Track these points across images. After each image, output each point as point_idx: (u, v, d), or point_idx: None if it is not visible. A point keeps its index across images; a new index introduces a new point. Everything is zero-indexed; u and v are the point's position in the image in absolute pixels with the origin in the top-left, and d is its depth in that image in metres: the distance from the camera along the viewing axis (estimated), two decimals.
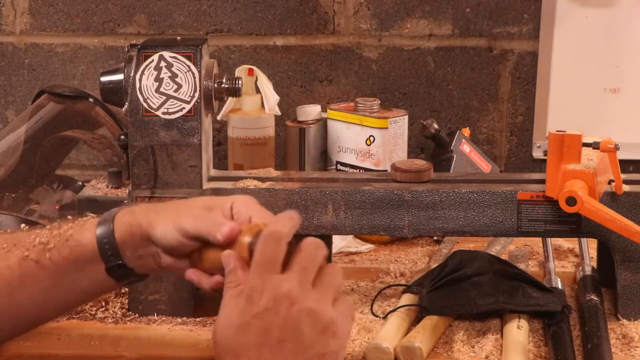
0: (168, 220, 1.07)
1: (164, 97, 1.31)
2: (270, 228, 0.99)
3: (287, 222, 1.00)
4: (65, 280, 1.09)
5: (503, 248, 1.57)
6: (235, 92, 1.36)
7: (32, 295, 1.09)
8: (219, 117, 1.72)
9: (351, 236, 1.59)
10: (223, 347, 0.95)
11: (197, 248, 1.07)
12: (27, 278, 1.09)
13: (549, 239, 1.49)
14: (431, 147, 1.76)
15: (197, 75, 1.31)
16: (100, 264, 1.09)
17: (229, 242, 1.03)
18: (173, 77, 1.31)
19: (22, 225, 1.19)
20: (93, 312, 1.33)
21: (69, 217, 1.14)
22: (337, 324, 0.95)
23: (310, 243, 0.99)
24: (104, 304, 1.35)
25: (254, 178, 1.36)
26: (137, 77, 1.31)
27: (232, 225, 1.03)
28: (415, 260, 1.53)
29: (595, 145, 1.26)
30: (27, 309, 1.10)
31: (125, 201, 1.33)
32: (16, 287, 1.09)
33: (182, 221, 1.06)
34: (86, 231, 1.10)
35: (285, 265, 0.97)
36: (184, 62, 1.31)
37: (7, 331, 1.13)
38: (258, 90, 1.72)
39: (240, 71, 1.71)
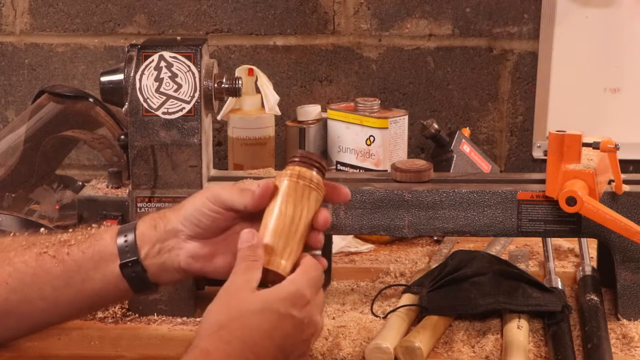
0: (200, 195, 1.09)
1: (164, 97, 1.31)
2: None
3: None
4: (79, 278, 1.10)
5: (503, 248, 1.57)
6: (235, 92, 1.36)
7: (43, 293, 1.09)
8: (219, 117, 1.72)
9: (351, 236, 1.59)
10: (235, 305, 0.98)
11: None
12: (41, 273, 1.09)
13: (549, 239, 1.49)
14: (431, 147, 1.76)
15: (197, 75, 1.31)
16: (115, 262, 1.09)
17: (262, 201, 1.06)
18: (173, 77, 1.31)
19: (42, 229, 1.20)
20: (93, 312, 1.33)
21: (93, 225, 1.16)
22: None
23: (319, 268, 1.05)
24: None
25: (254, 178, 1.36)
26: (137, 77, 1.31)
27: (263, 184, 1.06)
28: (415, 260, 1.53)
29: (595, 145, 1.26)
30: (37, 308, 1.10)
31: (126, 202, 1.33)
32: (28, 282, 1.09)
33: (213, 191, 1.08)
34: (110, 230, 1.12)
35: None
36: (184, 62, 1.31)
37: (15, 330, 1.14)
38: (258, 90, 1.73)
39: (240, 71, 1.71)
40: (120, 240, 1.10)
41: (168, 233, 1.09)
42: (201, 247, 1.09)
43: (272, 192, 1.06)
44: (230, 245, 1.10)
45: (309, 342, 1.02)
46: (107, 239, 1.10)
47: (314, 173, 1.07)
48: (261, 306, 0.98)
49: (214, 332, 0.97)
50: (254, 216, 1.08)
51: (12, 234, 1.16)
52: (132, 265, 1.09)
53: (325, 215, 1.07)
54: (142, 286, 1.11)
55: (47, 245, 1.11)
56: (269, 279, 1.04)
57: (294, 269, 1.04)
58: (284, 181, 1.07)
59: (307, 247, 1.07)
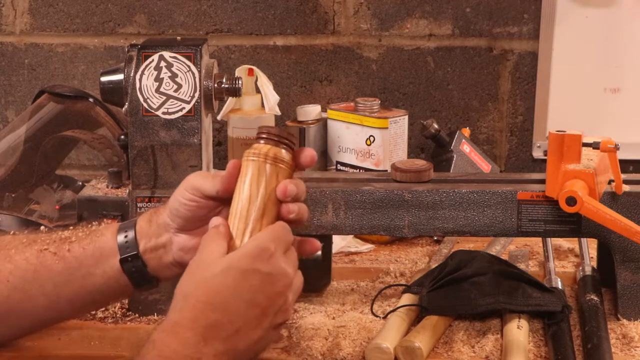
0: (179, 187, 1.09)
1: (164, 97, 1.31)
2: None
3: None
4: (80, 274, 1.10)
5: (503, 248, 1.57)
6: (235, 92, 1.36)
7: (45, 290, 1.10)
8: (219, 117, 1.72)
9: (351, 236, 1.59)
10: (199, 275, 0.99)
11: None
12: (42, 270, 1.10)
13: (549, 239, 1.49)
14: (431, 147, 1.76)
15: (197, 75, 1.31)
16: (116, 257, 1.10)
17: (231, 183, 1.06)
18: (173, 77, 1.31)
19: (42, 227, 1.21)
20: (93, 312, 1.33)
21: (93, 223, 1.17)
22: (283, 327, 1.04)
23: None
24: None
25: None
26: (137, 77, 1.31)
27: (227, 170, 1.06)
28: (415, 260, 1.53)
29: (595, 145, 1.26)
30: (38, 305, 1.10)
31: (126, 202, 1.33)
32: (30, 279, 1.09)
33: (189, 180, 1.08)
34: (111, 227, 1.13)
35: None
36: (184, 62, 1.31)
37: (16, 328, 1.14)
38: (258, 90, 1.73)
39: (240, 71, 1.71)
40: (121, 236, 1.11)
41: (160, 227, 1.11)
42: (189, 239, 1.10)
43: (238, 173, 1.06)
44: None
45: (284, 295, 1.01)
46: (107, 235, 1.11)
47: (275, 150, 1.07)
48: (223, 267, 0.98)
49: (180, 302, 0.98)
50: (224, 198, 1.09)
51: (12, 233, 1.17)
52: (132, 260, 1.10)
53: (283, 185, 1.06)
54: (142, 281, 1.12)
55: (48, 242, 1.11)
56: None
57: None
58: (247, 162, 1.07)
59: (281, 219, 1.07)
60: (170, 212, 1.10)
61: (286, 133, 1.08)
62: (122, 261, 1.10)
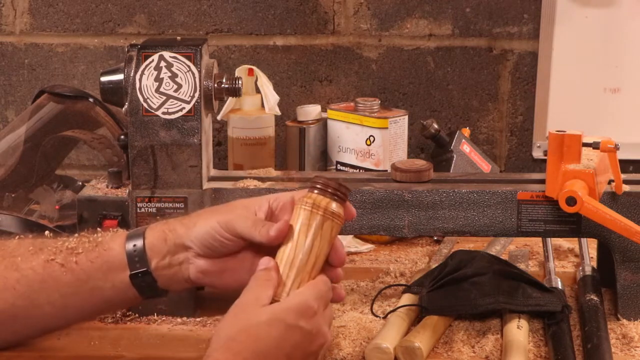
0: (211, 217, 1.09)
1: (164, 97, 1.31)
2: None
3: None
4: (88, 287, 1.10)
5: (503, 248, 1.57)
6: (235, 92, 1.36)
7: (51, 299, 1.10)
8: (219, 117, 1.72)
9: (351, 236, 1.59)
10: (245, 317, 0.99)
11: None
12: (50, 280, 1.09)
13: (549, 239, 1.49)
14: (431, 147, 1.76)
15: (197, 75, 1.31)
16: (125, 271, 1.09)
17: (276, 241, 1.06)
18: (173, 77, 1.31)
19: (47, 232, 1.20)
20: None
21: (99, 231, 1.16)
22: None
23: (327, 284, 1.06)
24: None
25: (254, 178, 1.36)
26: (137, 77, 1.31)
27: (279, 226, 1.06)
28: (415, 260, 1.53)
29: (595, 145, 1.26)
30: (45, 313, 1.10)
31: (126, 202, 1.33)
32: (37, 289, 1.09)
33: (226, 217, 1.08)
34: (117, 238, 1.12)
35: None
36: (184, 62, 1.31)
37: (22, 335, 1.14)
38: (258, 90, 1.72)
39: (240, 71, 1.71)
40: (129, 247, 1.10)
41: (178, 247, 1.10)
42: (211, 264, 1.10)
43: (287, 233, 1.07)
44: (241, 262, 1.10)
45: (317, 354, 1.03)
46: (115, 248, 1.10)
47: (333, 203, 1.07)
48: (269, 317, 0.99)
49: (223, 344, 0.98)
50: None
51: (17, 237, 1.16)
52: (142, 276, 1.10)
53: (340, 253, 1.08)
54: (151, 294, 1.12)
55: (55, 252, 1.10)
56: None
57: None
58: (300, 210, 1.07)
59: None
60: (196, 238, 1.09)
61: (345, 188, 1.08)
62: (132, 276, 1.09)
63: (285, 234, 1.06)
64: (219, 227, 1.08)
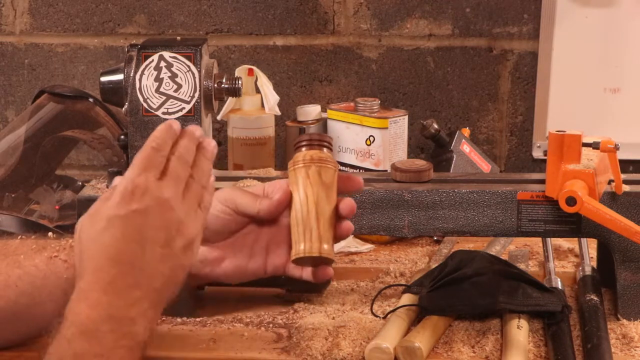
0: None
1: (164, 97, 1.31)
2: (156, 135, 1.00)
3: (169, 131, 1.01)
4: None
5: (503, 248, 1.57)
6: (235, 92, 1.36)
7: (54, 296, 1.09)
8: (219, 117, 1.72)
9: (351, 236, 1.59)
10: (89, 236, 0.95)
11: None
12: (52, 277, 1.09)
13: (549, 239, 1.49)
14: (431, 147, 1.76)
15: (197, 75, 1.31)
16: None
17: (279, 209, 1.08)
18: (173, 77, 1.31)
19: (50, 233, 1.20)
20: None
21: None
22: (197, 241, 0.99)
23: (185, 145, 1.00)
24: None
25: (254, 178, 1.36)
26: (137, 77, 1.31)
27: (281, 190, 1.07)
28: (415, 260, 1.53)
29: (595, 145, 1.26)
30: (47, 310, 1.10)
31: None
32: (39, 285, 1.09)
33: (225, 194, 1.08)
34: None
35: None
36: (184, 62, 1.31)
37: (24, 334, 1.14)
38: (258, 90, 1.73)
39: (240, 71, 1.71)
40: None
41: None
42: (210, 251, 1.10)
43: (289, 199, 1.07)
44: (238, 248, 1.10)
45: (172, 220, 0.97)
46: None
47: (311, 151, 1.09)
48: (104, 221, 0.95)
49: (79, 267, 0.96)
50: (262, 219, 1.09)
51: (19, 237, 1.16)
52: None
53: (349, 202, 1.08)
54: None
55: (58, 249, 1.10)
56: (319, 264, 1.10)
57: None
58: (289, 175, 1.09)
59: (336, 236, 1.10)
60: None
61: (318, 134, 1.11)
62: None
63: (285, 201, 1.07)
64: (218, 204, 1.08)
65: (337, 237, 1.10)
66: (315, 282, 1.13)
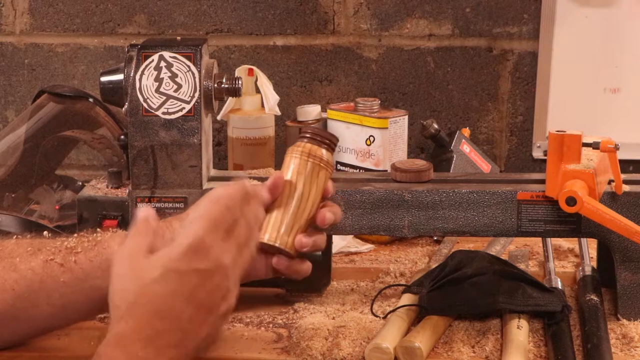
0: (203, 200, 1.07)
1: (164, 97, 1.31)
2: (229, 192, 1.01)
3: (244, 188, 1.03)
4: (87, 286, 1.09)
5: (503, 248, 1.57)
6: (235, 92, 1.36)
7: (51, 299, 1.09)
8: (219, 117, 1.72)
9: (351, 236, 1.59)
10: (137, 278, 0.95)
11: None
12: (49, 281, 1.09)
13: (549, 239, 1.49)
14: (431, 147, 1.76)
15: (197, 75, 1.31)
16: None
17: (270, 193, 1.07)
18: (173, 77, 1.31)
19: (45, 232, 1.20)
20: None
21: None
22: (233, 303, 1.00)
23: (255, 211, 1.03)
24: None
25: (254, 178, 1.36)
26: (137, 77, 1.31)
27: (273, 178, 1.07)
28: (415, 260, 1.53)
29: (595, 145, 1.26)
30: (45, 314, 1.10)
31: (126, 202, 1.33)
32: (36, 289, 1.09)
33: (218, 191, 1.06)
34: (117, 236, 1.11)
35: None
36: (184, 62, 1.31)
37: (21, 335, 1.14)
38: (258, 90, 1.73)
39: (240, 71, 1.71)
40: None
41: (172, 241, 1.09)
42: None
43: (282, 188, 1.07)
44: None
45: (224, 285, 0.97)
46: (114, 246, 1.10)
47: (324, 151, 1.09)
48: (162, 272, 0.94)
49: (127, 311, 0.94)
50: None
51: (14, 237, 1.16)
52: None
53: (326, 214, 1.08)
54: None
55: (54, 252, 1.10)
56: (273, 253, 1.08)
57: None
58: (291, 159, 1.08)
59: (313, 225, 1.09)
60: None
61: (334, 137, 1.10)
62: None
63: (281, 186, 1.07)
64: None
65: (310, 243, 1.09)
66: (296, 278, 1.12)
